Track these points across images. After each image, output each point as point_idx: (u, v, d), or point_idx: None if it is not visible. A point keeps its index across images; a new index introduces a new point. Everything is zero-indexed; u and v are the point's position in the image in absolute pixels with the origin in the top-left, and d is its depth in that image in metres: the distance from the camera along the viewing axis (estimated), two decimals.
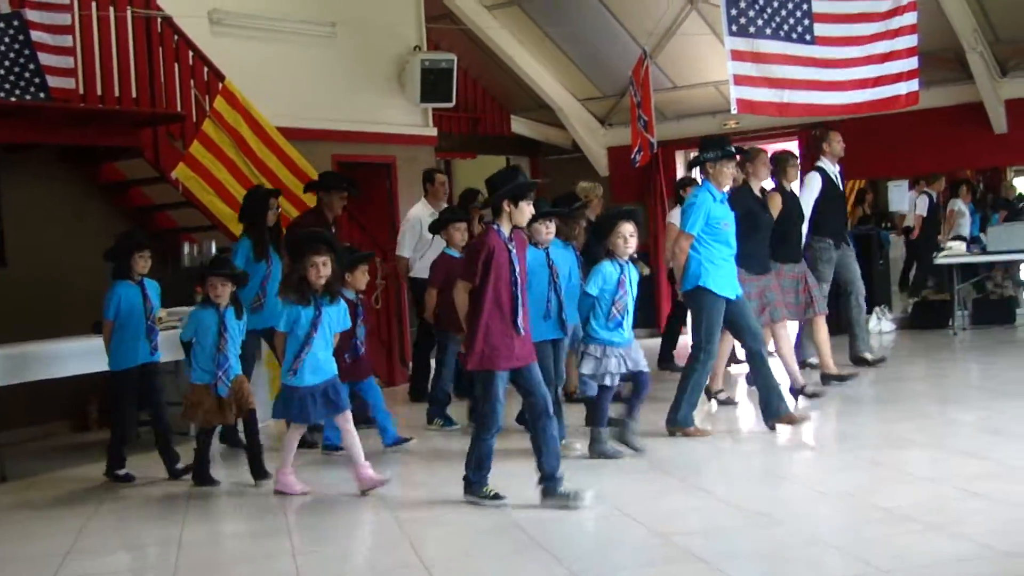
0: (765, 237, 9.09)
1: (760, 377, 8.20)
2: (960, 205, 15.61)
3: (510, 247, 6.37)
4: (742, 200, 8.77)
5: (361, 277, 8.31)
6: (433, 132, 15.02)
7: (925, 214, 15.43)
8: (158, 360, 8.10)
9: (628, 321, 7.48)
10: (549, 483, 6.32)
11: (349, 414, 7.12)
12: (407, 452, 8.28)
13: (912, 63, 10.91)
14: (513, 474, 6.66)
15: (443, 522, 6.29)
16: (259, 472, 7.50)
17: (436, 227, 9.48)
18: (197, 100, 11.22)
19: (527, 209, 6.42)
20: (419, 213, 10.98)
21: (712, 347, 8.10)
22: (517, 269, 6.36)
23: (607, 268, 7.40)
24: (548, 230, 7.89)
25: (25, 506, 7.49)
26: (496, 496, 6.41)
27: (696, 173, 9.51)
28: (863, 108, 10.92)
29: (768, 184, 9.62)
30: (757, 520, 6.00)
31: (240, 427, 8.04)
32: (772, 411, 8.11)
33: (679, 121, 17.21)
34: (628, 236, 7.37)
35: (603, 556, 5.43)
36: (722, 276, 8.00)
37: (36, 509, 7.37)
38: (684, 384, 8.11)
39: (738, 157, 8.30)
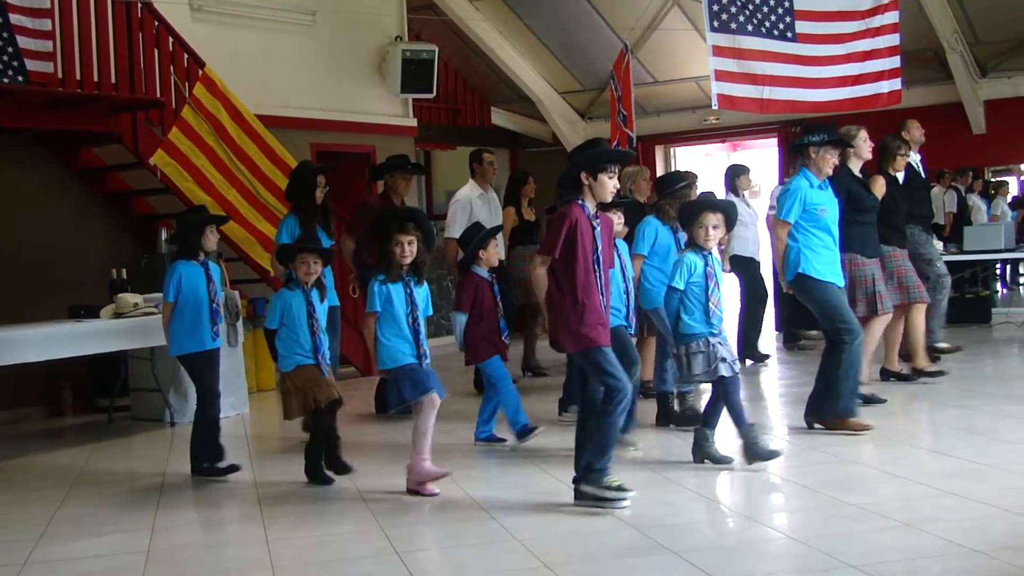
0: (871, 219, 8.74)
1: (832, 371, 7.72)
2: (976, 199, 15.63)
3: (595, 224, 5.93)
4: (844, 183, 8.37)
5: (494, 253, 7.96)
6: (413, 123, 15.04)
7: (955, 210, 15.28)
8: (219, 346, 7.53)
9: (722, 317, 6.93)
10: (584, 474, 5.98)
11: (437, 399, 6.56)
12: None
13: (894, 62, 10.95)
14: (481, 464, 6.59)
15: (415, 510, 6.28)
16: (339, 466, 7.15)
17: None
18: (176, 86, 11.19)
19: (609, 183, 5.91)
20: (468, 194, 10.44)
21: (849, 325, 7.58)
22: (600, 248, 5.90)
23: (690, 258, 6.84)
24: (619, 220, 7.44)
25: None
26: (620, 488, 5.93)
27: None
28: (844, 105, 10.93)
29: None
30: (728, 514, 6.14)
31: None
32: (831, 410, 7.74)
33: (659, 116, 17.29)
34: (711, 227, 6.79)
35: (576, 545, 5.44)
36: (822, 262, 7.60)
37: (8, 494, 7.33)
38: (835, 373, 7.60)
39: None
